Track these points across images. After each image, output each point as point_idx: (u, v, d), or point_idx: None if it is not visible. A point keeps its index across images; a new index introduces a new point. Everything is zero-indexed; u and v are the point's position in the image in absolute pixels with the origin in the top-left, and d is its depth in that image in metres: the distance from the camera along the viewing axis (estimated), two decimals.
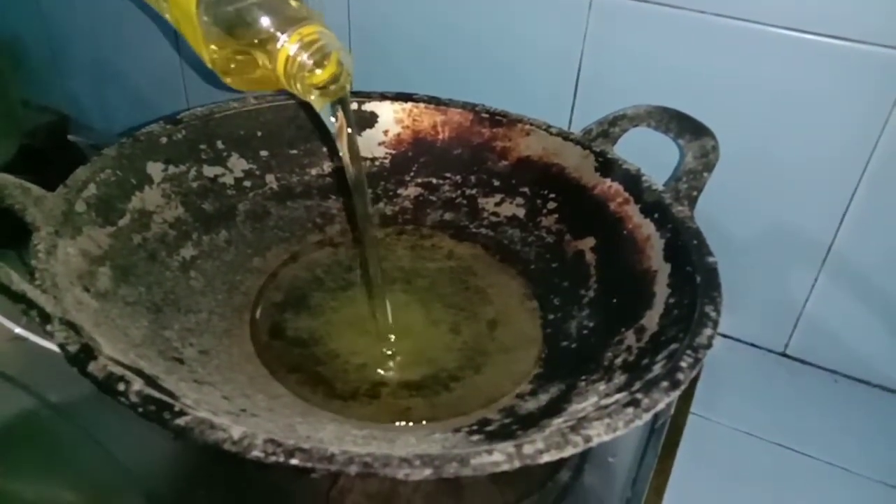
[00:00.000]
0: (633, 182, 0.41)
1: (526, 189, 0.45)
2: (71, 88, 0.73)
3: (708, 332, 0.30)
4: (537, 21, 0.47)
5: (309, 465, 0.23)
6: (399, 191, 0.47)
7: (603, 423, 0.25)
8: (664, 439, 0.44)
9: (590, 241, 0.42)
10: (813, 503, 0.40)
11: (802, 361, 0.51)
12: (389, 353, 0.38)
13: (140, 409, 0.24)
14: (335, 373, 0.36)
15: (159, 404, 0.24)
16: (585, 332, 0.37)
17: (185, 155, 0.42)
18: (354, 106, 0.47)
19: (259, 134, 0.45)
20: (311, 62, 0.33)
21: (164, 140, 0.41)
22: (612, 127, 0.44)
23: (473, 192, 0.47)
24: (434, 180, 0.47)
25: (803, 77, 0.41)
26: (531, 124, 0.46)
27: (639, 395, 0.26)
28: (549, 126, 0.45)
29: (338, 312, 0.40)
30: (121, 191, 0.37)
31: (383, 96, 0.47)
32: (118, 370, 0.25)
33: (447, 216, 0.47)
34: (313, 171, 0.46)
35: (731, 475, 0.41)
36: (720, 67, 0.43)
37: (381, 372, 0.37)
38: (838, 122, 0.42)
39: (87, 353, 0.26)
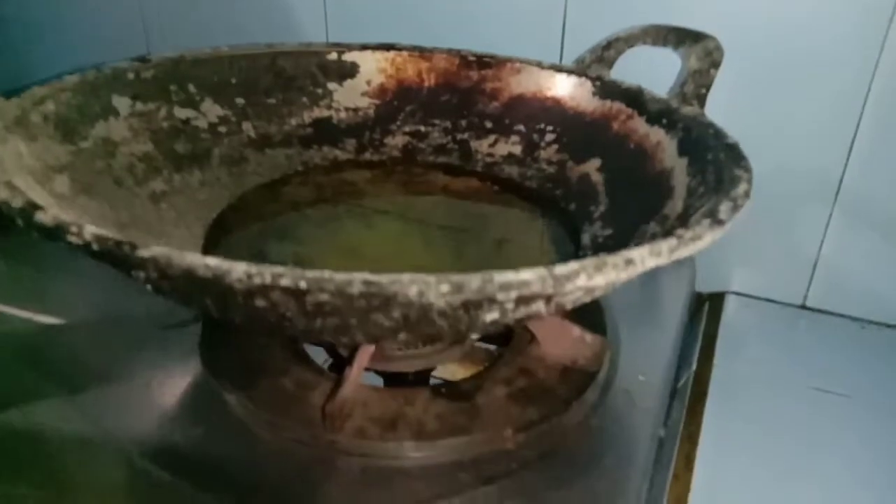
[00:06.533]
0: (634, 97, 0.38)
1: (521, 126, 0.43)
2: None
3: (744, 186, 0.27)
4: None
5: (302, 286, 0.19)
6: (386, 140, 0.44)
7: (645, 247, 0.21)
8: (690, 392, 0.40)
9: (595, 163, 0.39)
10: (850, 442, 0.37)
11: (824, 311, 0.48)
12: None
13: (96, 248, 0.20)
14: None
15: (118, 242, 0.20)
16: (601, 239, 0.34)
17: (154, 94, 0.39)
18: (334, 57, 0.44)
19: (233, 81, 0.42)
20: None
21: (131, 76, 0.38)
22: (606, 51, 0.42)
23: (465, 136, 0.44)
24: (423, 128, 0.45)
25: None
26: (521, 62, 0.43)
27: (680, 231, 0.23)
28: (540, 62, 0.43)
29: (323, 241, 0.36)
30: (81, 115, 0.34)
31: (364, 46, 0.45)
32: (70, 218, 0.21)
33: (439, 160, 0.44)
34: (293, 121, 0.43)
35: (763, 417, 0.38)
36: None
37: None
38: (836, 46, 0.40)
39: (34, 206, 0.22)
